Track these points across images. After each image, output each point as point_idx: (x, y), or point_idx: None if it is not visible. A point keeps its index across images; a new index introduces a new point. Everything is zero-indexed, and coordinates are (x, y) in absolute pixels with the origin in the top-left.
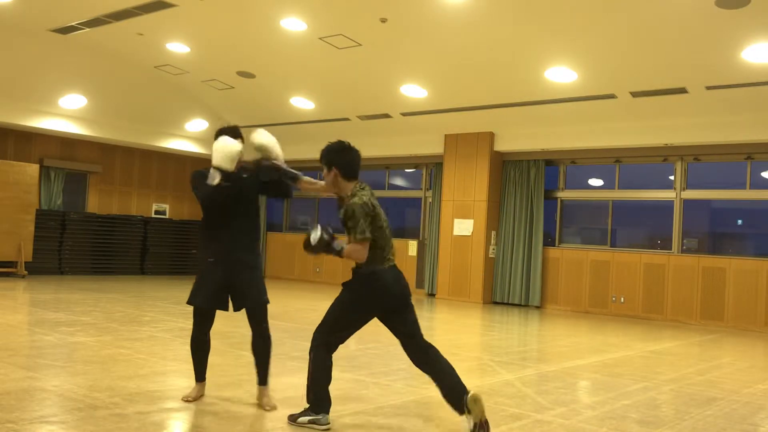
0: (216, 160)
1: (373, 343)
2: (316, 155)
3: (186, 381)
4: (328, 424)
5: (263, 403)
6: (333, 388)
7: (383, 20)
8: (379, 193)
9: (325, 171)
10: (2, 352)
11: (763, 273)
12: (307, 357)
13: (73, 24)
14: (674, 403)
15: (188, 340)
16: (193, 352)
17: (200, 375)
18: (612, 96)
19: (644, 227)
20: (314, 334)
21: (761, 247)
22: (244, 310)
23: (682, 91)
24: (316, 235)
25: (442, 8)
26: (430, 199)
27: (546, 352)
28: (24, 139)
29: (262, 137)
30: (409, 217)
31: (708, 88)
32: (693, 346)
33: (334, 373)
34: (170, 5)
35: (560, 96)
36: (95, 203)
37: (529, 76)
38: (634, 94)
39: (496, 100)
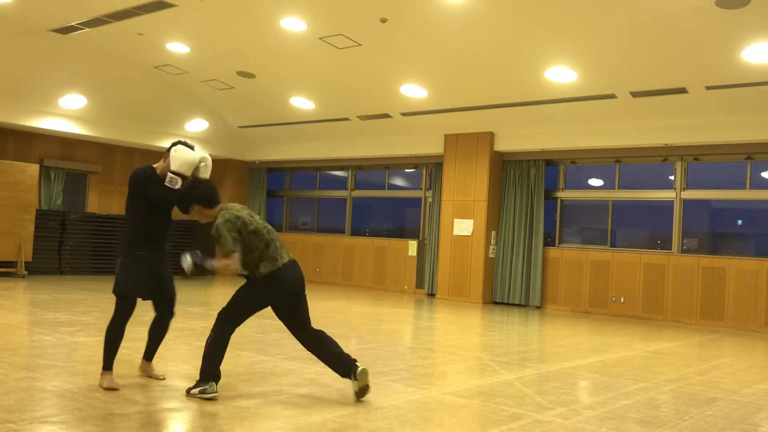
0: (177, 167)
1: (373, 343)
2: (316, 155)
3: (186, 381)
4: (216, 392)
5: (155, 375)
6: (333, 388)
7: (383, 20)
8: (379, 193)
9: (192, 212)
10: (2, 352)
11: (763, 273)
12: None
13: (73, 24)
14: (674, 403)
15: (188, 340)
16: (114, 341)
17: (112, 364)
18: (612, 96)
19: (644, 227)
20: (219, 314)
21: (761, 247)
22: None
23: (682, 91)
24: (186, 262)
25: (442, 8)
26: (430, 199)
27: (546, 352)
28: (24, 139)
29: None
30: (409, 217)
31: (708, 88)
32: (693, 346)
33: (334, 372)
34: (170, 5)
35: (560, 96)
36: (95, 203)
37: (529, 76)
38: (634, 94)
39: (496, 100)
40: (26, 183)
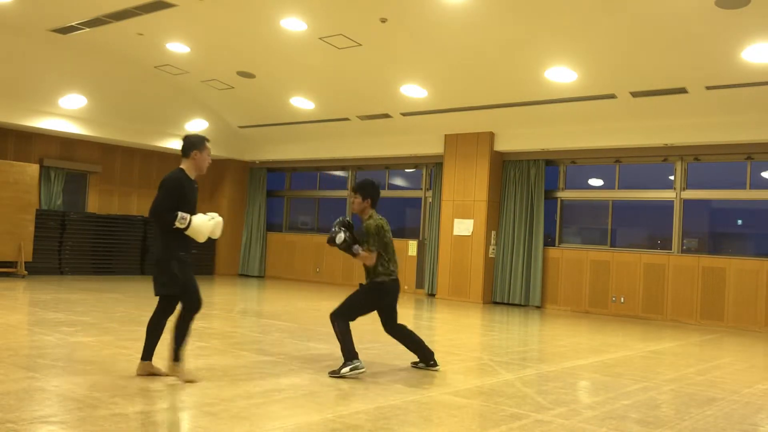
0: (196, 237)
1: (373, 343)
2: (316, 155)
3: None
4: (364, 367)
5: (186, 378)
6: (333, 388)
7: (383, 20)
8: None
9: (359, 197)
10: (2, 352)
11: (763, 273)
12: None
13: (73, 24)
14: (674, 403)
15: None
16: (155, 332)
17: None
18: (612, 96)
19: (644, 227)
20: (335, 310)
21: (761, 247)
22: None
23: (682, 91)
24: (341, 237)
25: (442, 8)
26: (430, 199)
27: (546, 352)
28: (24, 139)
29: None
30: (409, 217)
31: (708, 88)
32: (693, 346)
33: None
34: (170, 5)
35: (560, 96)
36: (95, 203)
37: (529, 76)
38: (634, 94)
39: (496, 100)
40: (26, 183)
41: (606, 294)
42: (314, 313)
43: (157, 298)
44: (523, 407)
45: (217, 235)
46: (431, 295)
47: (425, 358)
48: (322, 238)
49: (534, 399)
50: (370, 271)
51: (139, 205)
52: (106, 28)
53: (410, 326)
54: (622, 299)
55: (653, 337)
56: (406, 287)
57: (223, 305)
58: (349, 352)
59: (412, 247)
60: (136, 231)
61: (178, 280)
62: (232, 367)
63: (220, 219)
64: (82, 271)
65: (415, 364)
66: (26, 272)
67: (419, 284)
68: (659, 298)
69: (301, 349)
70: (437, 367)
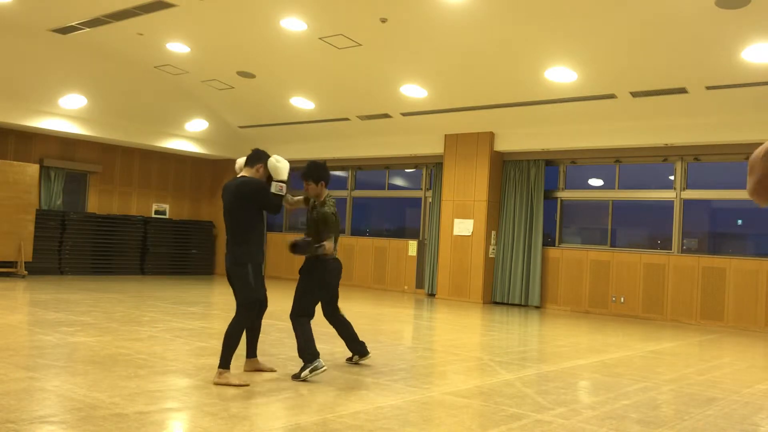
0: (282, 176)
1: (373, 343)
2: (316, 155)
3: (186, 381)
4: (324, 366)
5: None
6: (334, 388)
7: (383, 20)
8: (379, 193)
9: (311, 183)
10: (2, 352)
11: (763, 273)
12: None
13: (73, 24)
14: (674, 403)
15: (188, 340)
16: (238, 339)
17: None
18: (612, 96)
19: (644, 227)
20: (291, 310)
21: (761, 247)
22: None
23: (682, 91)
24: (299, 243)
25: (442, 8)
26: (430, 199)
27: (546, 352)
28: (24, 139)
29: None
30: (409, 217)
31: (708, 88)
32: (693, 346)
33: (334, 372)
34: (170, 5)
35: (560, 96)
36: (95, 203)
37: (529, 76)
38: (634, 94)
39: (496, 100)
40: (26, 183)
41: (606, 294)
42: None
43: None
44: (523, 407)
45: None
46: (431, 295)
47: (359, 351)
48: None
49: (534, 399)
50: (311, 252)
51: (139, 205)
52: (106, 28)
53: (410, 326)
54: (622, 299)
55: (653, 337)
56: (406, 287)
57: (223, 305)
58: (306, 352)
59: (412, 247)
60: (136, 231)
61: (251, 285)
62: (232, 367)
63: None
64: (82, 271)
65: (349, 360)
66: (26, 272)
67: (419, 284)
68: (659, 298)
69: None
70: (368, 356)
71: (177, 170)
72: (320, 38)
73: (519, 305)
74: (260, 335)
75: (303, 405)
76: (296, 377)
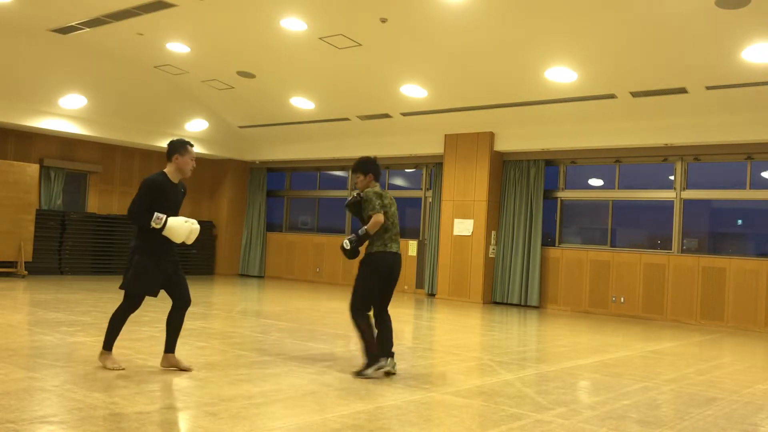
0: (168, 230)
1: None
2: (316, 155)
3: (186, 381)
4: (386, 365)
5: (183, 367)
6: (333, 388)
7: (383, 20)
8: None
9: (360, 176)
10: (2, 352)
11: (763, 273)
12: None
13: (73, 24)
14: (674, 403)
15: (188, 340)
16: (117, 326)
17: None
18: (612, 96)
19: (644, 227)
20: (350, 306)
21: (761, 247)
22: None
23: (682, 91)
24: (346, 243)
25: (442, 8)
26: (430, 199)
27: (546, 352)
28: (24, 139)
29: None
30: (409, 217)
31: (708, 88)
32: (693, 346)
33: (335, 372)
34: (170, 5)
35: (560, 96)
36: (95, 203)
37: (529, 76)
38: (634, 94)
39: (496, 100)
40: (26, 183)
41: (606, 294)
42: (314, 313)
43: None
44: (523, 407)
45: (191, 240)
46: (431, 295)
47: (386, 354)
48: (322, 238)
49: (534, 399)
50: (367, 245)
51: None
52: (106, 28)
53: (410, 326)
54: (622, 299)
55: (653, 337)
56: (405, 287)
57: (223, 305)
58: (372, 351)
59: (412, 247)
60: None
61: (129, 276)
62: (232, 367)
63: (197, 226)
64: (82, 271)
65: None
66: (26, 272)
67: (419, 284)
68: (659, 298)
69: (301, 349)
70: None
71: None
72: (320, 38)
73: (519, 305)
74: (260, 335)
75: (303, 405)
76: (360, 374)
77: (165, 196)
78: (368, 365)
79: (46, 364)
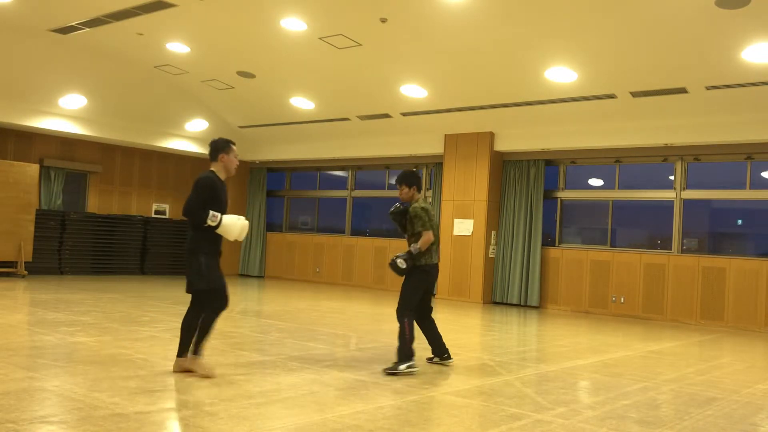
0: (221, 228)
1: (373, 343)
2: (316, 155)
3: (186, 381)
4: (417, 368)
5: (204, 373)
6: (333, 388)
7: (383, 20)
8: (379, 193)
9: (404, 187)
10: (2, 352)
11: (763, 273)
12: None
13: (73, 24)
14: (674, 403)
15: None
16: (190, 330)
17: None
18: (612, 96)
19: (644, 227)
20: (398, 307)
21: (761, 247)
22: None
23: (682, 91)
24: (401, 262)
25: (442, 8)
26: (430, 199)
27: (546, 352)
28: (24, 139)
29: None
30: None
31: (708, 88)
32: (693, 346)
33: (336, 372)
34: (170, 5)
35: (560, 96)
36: (95, 203)
37: (529, 76)
38: (634, 94)
39: (496, 100)
40: (26, 183)
41: (606, 294)
42: (314, 313)
43: (190, 295)
44: (523, 407)
45: (242, 237)
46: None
47: (441, 354)
48: (322, 239)
49: (534, 399)
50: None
51: (139, 205)
52: (106, 28)
53: None
54: (622, 299)
55: (653, 337)
56: None
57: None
58: (407, 350)
59: None
60: (136, 231)
61: (204, 276)
62: (232, 367)
63: (246, 222)
64: (82, 271)
65: (430, 360)
66: (26, 272)
67: None
68: (659, 298)
69: (301, 349)
70: (451, 360)
71: (177, 170)
72: (320, 38)
73: (519, 305)
74: (260, 335)
75: (303, 405)
76: (391, 371)
77: (217, 195)
78: (401, 363)
79: (46, 364)
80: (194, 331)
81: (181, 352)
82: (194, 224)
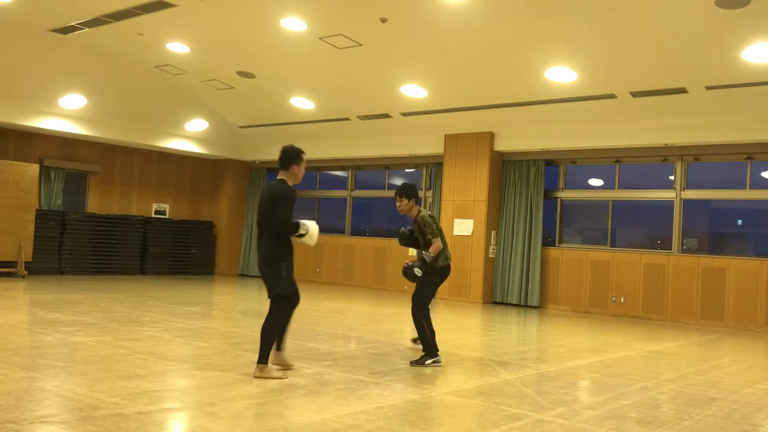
0: (306, 237)
1: (373, 343)
2: (316, 155)
3: (186, 381)
4: (441, 363)
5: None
6: (333, 388)
7: (383, 20)
8: (379, 193)
9: (404, 200)
10: (2, 352)
11: (763, 273)
12: None
13: (73, 24)
14: (674, 403)
15: (189, 340)
16: (275, 333)
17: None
18: (612, 96)
19: (644, 227)
20: (413, 305)
21: (761, 247)
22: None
23: (682, 91)
24: (419, 272)
25: (442, 8)
26: (430, 199)
27: (546, 352)
28: (24, 139)
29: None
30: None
31: (708, 88)
32: (693, 346)
33: (336, 372)
34: (170, 5)
35: (560, 96)
36: (95, 203)
37: (529, 76)
38: (634, 94)
39: (496, 100)
40: (26, 183)
41: (606, 294)
42: (314, 313)
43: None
44: (523, 407)
45: (314, 243)
46: None
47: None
48: (322, 239)
49: (534, 399)
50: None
51: (139, 205)
52: (106, 28)
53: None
54: (622, 299)
55: (653, 337)
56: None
57: (223, 305)
58: (431, 346)
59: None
60: (135, 231)
61: (285, 282)
62: (232, 367)
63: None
64: (82, 271)
65: (415, 341)
66: (26, 272)
67: None
68: (659, 298)
69: (301, 349)
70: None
71: (177, 170)
72: (320, 38)
73: (519, 305)
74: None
75: (303, 405)
76: (417, 363)
77: (294, 204)
78: (427, 357)
79: (46, 364)
80: (281, 333)
81: (278, 347)
82: (281, 234)
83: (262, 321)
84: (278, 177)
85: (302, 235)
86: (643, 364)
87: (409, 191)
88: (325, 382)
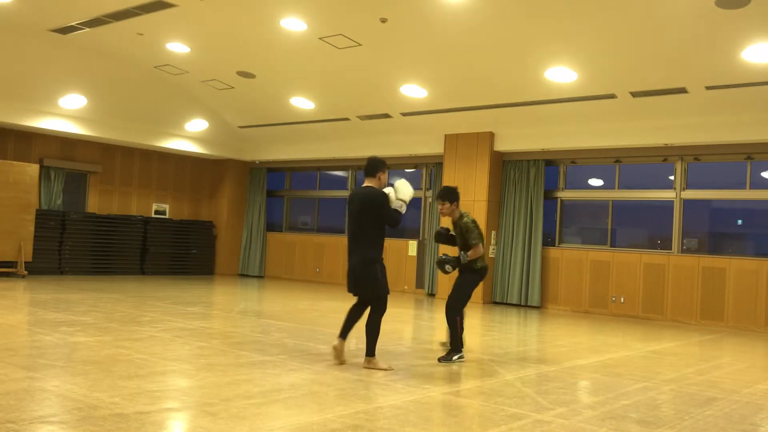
0: (404, 196)
1: None
2: (316, 155)
3: (186, 381)
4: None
5: (388, 366)
6: (333, 388)
7: (383, 20)
8: None
9: (447, 203)
10: (2, 352)
11: (763, 273)
12: None
13: (73, 24)
14: (674, 403)
15: (189, 340)
16: (378, 329)
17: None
18: (612, 96)
19: (644, 227)
20: (452, 304)
21: (761, 247)
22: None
23: (682, 91)
24: (449, 269)
25: (443, 8)
26: (430, 199)
27: (546, 352)
28: (24, 139)
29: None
30: (409, 217)
31: (708, 88)
32: (693, 346)
33: (335, 372)
34: (170, 5)
35: (560, 96)
36: (95, 203)
37: (529, 76)
38: (634, 94)
39: (496, 100)
40: (26, 183)
41: (606, 294)
42: (314, 313)
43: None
44: (523, 407)
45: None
46: (431, 295)
47: (343, 333)
48: (322, 239)
49: (534, 399)
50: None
51: (139, 205)
52: (106, 28)
53: (410, 326)
54: (622, 299)
55: (653, 337)
56: (405, 287)
57: (223, 305)
58: (459, 343)
59: (412, 247)
60: (136, 231)
61: (381, 283)
62: (232, 367)
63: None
64: (82, 271)
65: (443, 344)
66: (26, 272)
67: (419, 284)
68: (659, 298)
69: (301, 349)
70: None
71: (177, 170)
72: (320, 38)
73: (519, 305)
74: (260, 335)
75: (303, 405)
76: (445, 359)
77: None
78: (454, 352)
79: (46, 364)
80: (356, 320)
81: (343, 335)
82: (396, 225)
83: (262, 321)
84: (365, 184)
85: (405, 207)
86: (643, 364)
87: (451, 195)
88: (325, 382)
